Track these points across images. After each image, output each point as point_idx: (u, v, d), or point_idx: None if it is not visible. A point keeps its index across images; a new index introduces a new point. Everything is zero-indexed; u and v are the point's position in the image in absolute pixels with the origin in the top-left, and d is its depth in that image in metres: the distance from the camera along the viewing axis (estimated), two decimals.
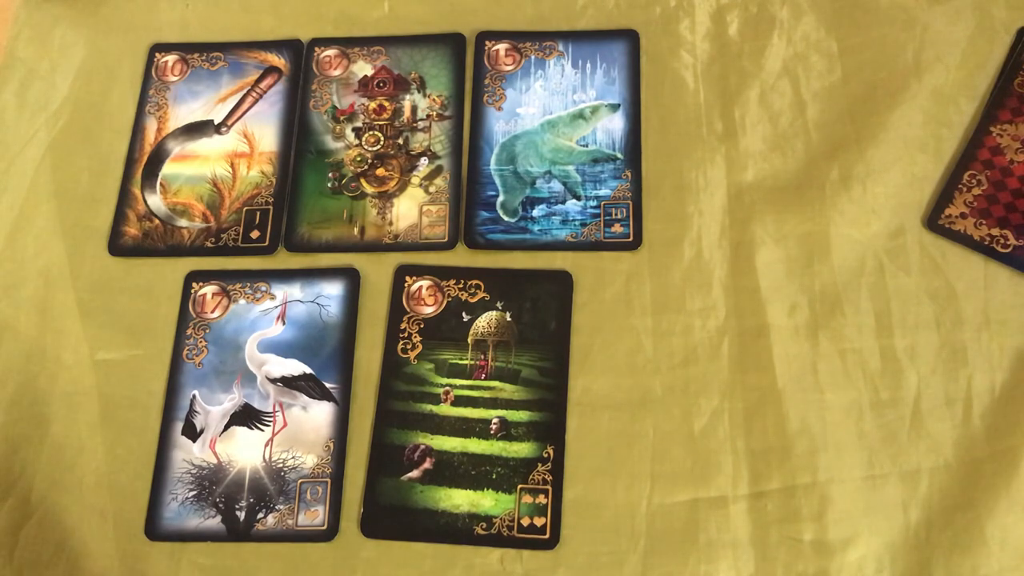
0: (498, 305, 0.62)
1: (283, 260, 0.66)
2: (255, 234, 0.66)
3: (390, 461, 0.59)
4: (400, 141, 0.68)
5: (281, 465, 0.59)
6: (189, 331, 0.63)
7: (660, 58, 0.69)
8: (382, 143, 0.68)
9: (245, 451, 0.60)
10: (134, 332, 0.64)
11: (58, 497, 0.60)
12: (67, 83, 0.72)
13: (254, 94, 0.71)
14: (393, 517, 0.58)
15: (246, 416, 0.61)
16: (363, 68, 0.71)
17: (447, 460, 0.59)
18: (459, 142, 0.68)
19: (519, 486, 0.58)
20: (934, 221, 0.62)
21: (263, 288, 0.64)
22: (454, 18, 0.72)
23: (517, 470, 0.58)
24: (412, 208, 0.66)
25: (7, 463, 0.61)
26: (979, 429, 0.57)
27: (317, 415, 0.60)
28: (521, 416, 0.59)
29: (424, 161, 0.68)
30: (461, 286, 0.63)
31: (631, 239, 0.64)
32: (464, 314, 0.62)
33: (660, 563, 0.56)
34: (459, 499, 0.58)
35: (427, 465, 0.59)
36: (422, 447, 0.59)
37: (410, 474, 0.59)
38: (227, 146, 0.69)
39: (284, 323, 0.63)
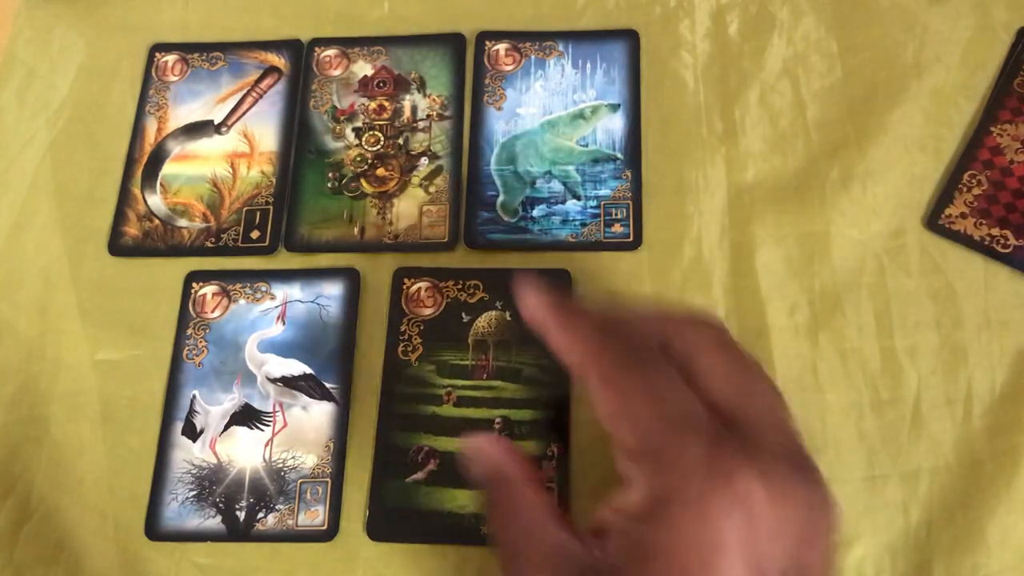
0: (497, 305, 0.62)
1: (283, 260, 0.65)
2: (255, 234, 0.66)
3: (394, 464, 0.59)
4: (400, 141, 0.68)
5: (281, 465, 0.59)
6: (189, 331, 0.63)
7: (660, 58, 0.69)
8: (382, 143, 0.68)
9: (245, 451, 0.60)
10: (134, 332, 0.64)
11: (58, 497, 0.60)
12: (67, 83, 0.72)
13: (254, 94, 0.71)
14: (399, 520, 0.57)
15: (246, 416, 0.61)
16: (363, 68, 0.71)
17: (451, 461, 0.59)
18: (459, 142, 0.68)
19: None
20: (934, 221, 0.62)
21: (263, 288, 0.64)
22: (454, 18, 0.72)
23: None
24: (412, 208, 0.66)
25: (7, 463, 0.61)
26: (979, 429, 0.57)
27: (317, 415, 0.60)
28: (524, 415, 0.59)
29: (424, 161, 0.67)
30: (460, 287, 0.63)
31: (631, 239, 0.64)
32: (464, 315, 0.62)
33: None
34: (464, 499, 0.58)
35: (432, 466, 0.59)
36: (426, 448, 0.59)
37: (415, 476, 0.58)
38: (227, 146, 0.69)
39: (284, 323, 0.63)
